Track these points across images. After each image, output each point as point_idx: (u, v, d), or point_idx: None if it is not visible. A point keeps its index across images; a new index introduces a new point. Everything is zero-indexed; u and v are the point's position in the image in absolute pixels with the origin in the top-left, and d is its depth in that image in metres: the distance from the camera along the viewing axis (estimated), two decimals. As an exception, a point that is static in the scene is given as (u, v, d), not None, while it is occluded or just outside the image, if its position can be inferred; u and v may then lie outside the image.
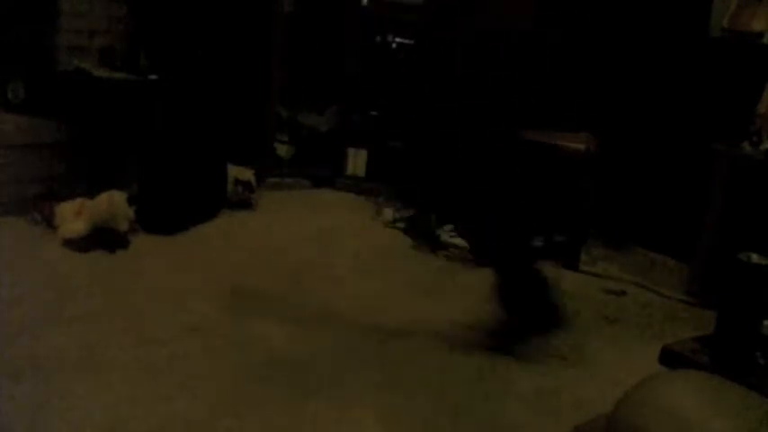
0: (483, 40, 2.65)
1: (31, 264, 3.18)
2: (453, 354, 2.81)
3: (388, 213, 4.19)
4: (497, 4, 2.69)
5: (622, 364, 2.81)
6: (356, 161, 4.70)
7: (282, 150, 4.76)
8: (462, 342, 2.91)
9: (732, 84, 3.56)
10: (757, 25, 3.45)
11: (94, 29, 4.10)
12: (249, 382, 2.46)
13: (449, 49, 2.69)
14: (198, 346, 2.65)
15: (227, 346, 2.67)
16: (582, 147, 3.73)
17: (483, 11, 2.66)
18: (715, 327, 2.66)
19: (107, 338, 2.62)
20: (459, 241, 3.90)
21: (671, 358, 2.67)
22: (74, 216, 3.37)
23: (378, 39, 4.69)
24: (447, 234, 3.91)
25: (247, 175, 4.14)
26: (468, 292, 3.40)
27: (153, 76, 4.02)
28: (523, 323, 2.90)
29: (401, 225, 4.06)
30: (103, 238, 3.37)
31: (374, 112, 4.71)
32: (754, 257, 2.53)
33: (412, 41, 4.60)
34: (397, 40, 4.67)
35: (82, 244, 3.33)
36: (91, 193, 3.50)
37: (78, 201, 3.44)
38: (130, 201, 3.48)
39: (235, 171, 4.12)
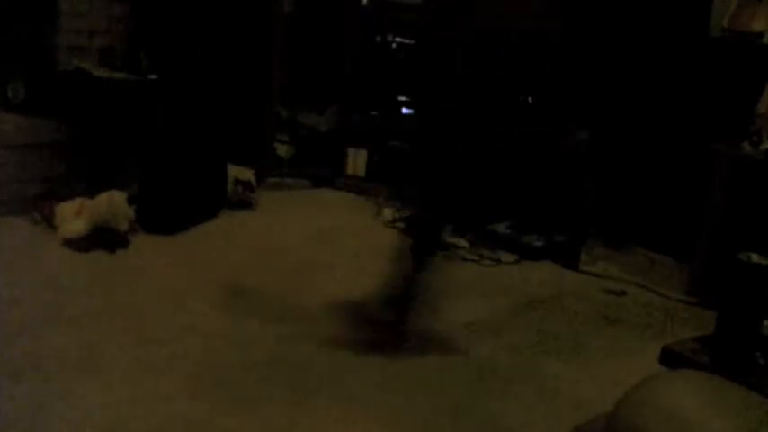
0: (483, 40, 2.65)
1: (31, 264, 3.18)
2: (453, 354, 2.81)
3: (388, 213, 4.19)
4: (497, 4, 2.69)
5: (622, 364, 2.81)
6: (356, 161, 4.70)
7: (282, 150, 4.76)
8: (462, 342, 2.91)
9: (732, 84, 3.56)
10: (757, 25, 3.46)
11: (94, 29, 4.10)
12: (249, 382, 2.46)
13: (449, 49, 2.69)
14: (198, 346, 2.65)
15: (227, 346, 2.67)
16: (582, 147, 3.74)
17: (483, 11, 2.66)
18: (715, 327, 2.66)
19: (107, 338, 2.62)
20: (459, 241, 3.90)
21: (671, 358, 2.67)
22: (74, 216, 3.37)
23: (378, 39, 4.69)
24: (447, 234, 3.91)
25: (247, 175, 4.14)
26: (469, 292, 3.40)
27: (153, 76, 4.02)
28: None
29: (401, 225, 4.06)
30: (103, 238, 3.37)
31: (374, 112, 4.71)
32: (754, 257, 2.54)
33: (412, 41, 4.61)
34: (397, 40, 4.67)
35: (82, 244, 3.33)
36: (91, 193, 3.50)
37: (78, 201, 3.44)
38: (130, 201, 3.48)
39: (235, 171, 4.12)
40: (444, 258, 3.77)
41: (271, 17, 4.53)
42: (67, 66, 3.97)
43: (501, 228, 4.03)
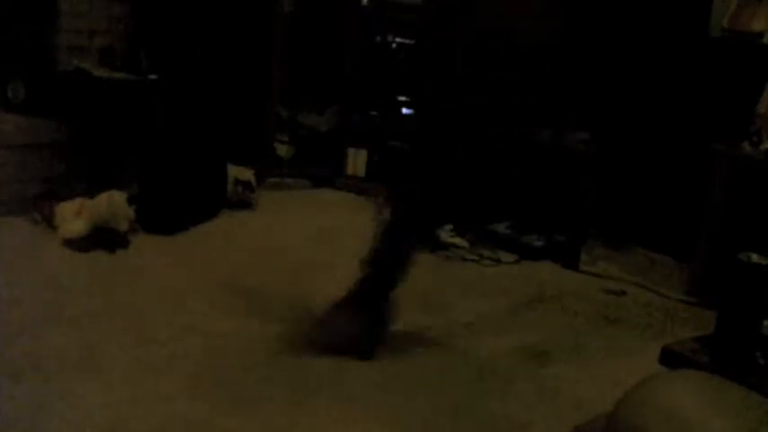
0: (483, 40, 2.65)
1: (31, 264, 3.18)
2: (453, 354, 2.81)
3: (389, 213, 4.19)
4: (497, 4, 2.68)
5: (622, 364, 2.81)
6: (356, 161, 4.70)
7: (282, 150, 4.75)
8: (462, 342, 2.91)
9: (732, 84, 3.56)
10: (757, 25, 3.46)
11: (94, 29, 4.09)
12: (249, 382, 2.46)
13: (449, 49, 2.68)
14: (198, 346, 2.65)
15: (227, 346, 2.67)
16: (582, 147, 3.74)
17: (483, 11, 2.66)
18: (715, 327, 2.66)
19: (107, 338, 2.62)
20: (459, 241, 3.90)
21: (671, 358, 2.67)
22: (74, 216, 3.37)
23: (378, 39, 4.69)
24: (447, 234, 3.91)
25: (247, 175, 4.14)
26: (469, 292, 3.40)
27: (153, 76, 4.02)
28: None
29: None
30: (103, 238, 3.37)
31: (374, 112, 4.71)
32: (754, 257, 2.53)
33: (412, 41, 4.61)
34: (397, 40, 4.67)
35: (82, 244, 3.33)
36: (91, 193, 3.50)
37: (78, 201, 3.44)
38: (130, 201, 3.48)
39: (235, 171, 4.12)
40: (445, 258, 3.79)
41: (271, 17, 4.53)
42: (67, 66, 3.97)
43: (501, 228, 4.03)
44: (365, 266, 2.70)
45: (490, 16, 2.65)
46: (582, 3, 3.93)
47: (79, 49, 4.03)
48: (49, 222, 3.46)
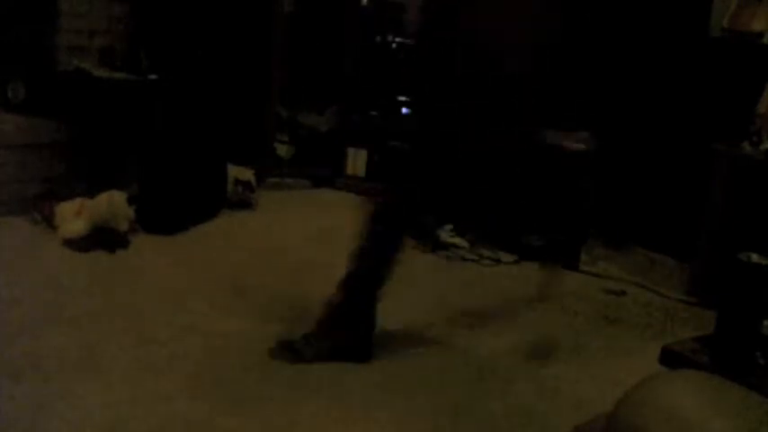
0: (483, 40, 2.65)
1: (31, 264, 3.18)
2: (453, 354, 2.81)
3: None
4: (497, 5, 2.68)
5: (622, 364, 2.81)
6: (356, 161, 4.70)
7: (282, 150, 4.76)
8: (462, 342, 2.91)
9: (732, 84, 3.56)
10: (757, 25, 3.45)
11: (94, 29, 4.10)
12: (249, 382, 2.46)
13: (449, 49, 2.68)
14: (198, 346, 2.65)
15: (227, 346, 2.67)
16: (582, 147, 3.73)
17: (483, 11, 2.66)
18: (715, 327, 2.66)
19: (107, 338, 2.62)
20: (459, 241, 3.90)
21: (671, 358, 2.66)
22: (74, 216, 3.37)
23: (378, 39, 4.69)
24: (447, 234, 3.91)
25: (247, 175, 4.14)
26: (469, 292, 3.40)
27: (153, 76, 4.02)
28: None
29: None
30: (103, 238, 3.37)
31: (374, 112, 4.71)
32: (754, 257, 2.53)
33: (412, 41, 4.61)
34: (397, 40, 4.67)
35: (82, 244, 3.33)
36: (91, 193, 3.50)
37: (78, 201, 3.44)
38: (130, 201, 3.48)
39: (235, 171, 4.12)
40: (445, 258, 3.79)
41: (271, 17, 4.53)
42: (67, 66, 3.97)
43: (502, 228, 4.03)
44: (350, 263, 2.68)
45: (490, 16, 2.65)
46: (582, 3, 3.94)
47: (79, 49, 4.04)
48: (49, 222, 3.46)
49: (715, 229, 3.41)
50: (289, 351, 2.62)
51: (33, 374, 2.35)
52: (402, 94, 4.67)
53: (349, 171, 4.71)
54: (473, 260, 3.79)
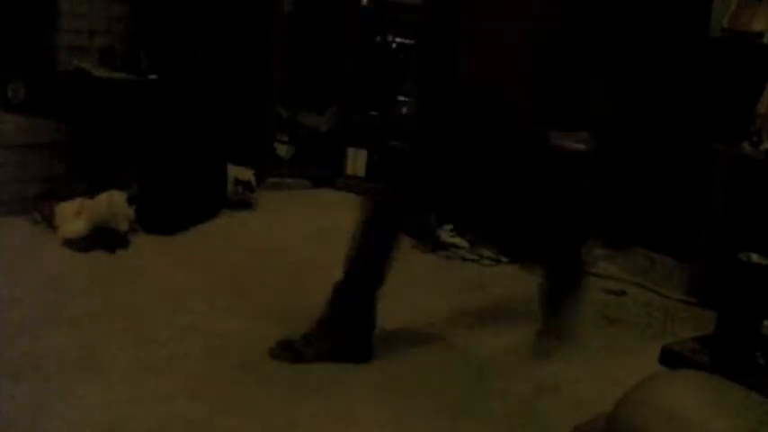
0: (482, 40, 2.65)
1: (31, 264, 3.18)
2: (453, 354, 2.81)
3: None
4: (497, 4, 2.68)
5: (622, 364, 2.81)
6: (356, 161, 4.70)
7: (282, 150, 4.75)
8: (462, 342, 2.91)
9: (732, 84, 3.56)
10: (757, 25, 3.46)
11: (94, 29, 4.09)
12: (249, 382, 2.46)
13: (449, 48, 2.68)
14: (198, 346, 2.65)
15: (227, 346, 2.67)
16: (582, 147, 3.73)
17: (483, 11, 2.66)
18: (715, 327, 2.66)
19: (107, 338, 2.62)
20: (459, 241, 3.90)
21: (671, 358, 2.66)
22: (74, 216, 3.38)
23: (378, 39, 4.69)
24: (447, 234, 3.91)
25: (247, 175, 4.14)
26: (469, 292, 3.40)
27: (153, 76, 4.02)
28: None
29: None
30: (103, 238, 3.37)
31: (374, 112, 4.71)
32: (754, 257, 2.53)
33: (412, 41, 4.61)
34: (397, 40, 4.67)
35: (82, 244, 3.33)
36: (91, 193, 3.50)
37: (78, 201, 3.44)
38: (130, 201, 3.48)
39: (235, 171, 4.12)
40: (445, 258, 3.79)
41: (271, 17, 4.53)
42: (67, 66, 3.97)
43: (499, 227, 4.03)
44: (347, 263, 2.68)
45: (490, 16, 2.65)
46: (582, 3, 3.93)
47: (79, 49, 4.03)
48: (49, 222, 3.46)
49: (715, 229, 3.41)
50: (289, 351, 2.62)
51: (33, 374, 2.35)
52: (402, 94, 4.67)
53: (349, 171, 4.71)
54: (473, 260, 3.79)
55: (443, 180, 2.78)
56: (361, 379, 2.54)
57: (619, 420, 1.34)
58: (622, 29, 3.92)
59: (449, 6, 2.75)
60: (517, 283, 3.57)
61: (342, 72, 4.74)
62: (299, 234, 3.86)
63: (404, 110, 4.67)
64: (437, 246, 3.84)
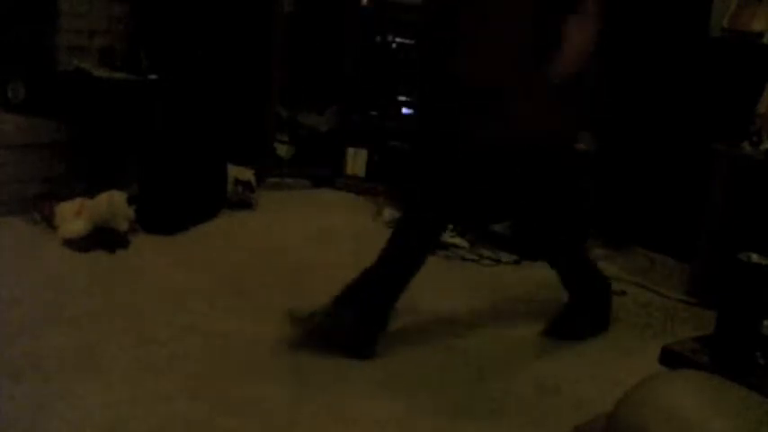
0: (482, 40, 2.65)
1: (31, 264, 3.18)
2: (453, 354, 2.81)
3: (388, 213, 4.19)
4: (497, 5, 2.69)
5: (622, 364, 2.81)
6: (356, 161, 4.70)
7: (282, 150, 4.76)
8: (462, 342, 2.91)
9: (732, 84, 3.56)
10: (757, 25, 3.46)
11: (94, 29, 4.10)
12: (249, 382, 2.46)
13: (449, 48, 2.69)
14: (198, 346, 2.65)
15: (227, 346, 2.67)
16: (582, 147, 3.73)
17: (482, 11, 2.66)
18: (715, 327, 2.66)
19: (107, 338, 2.62)
20: (459, 241, 3.90)
21: (671, 358, 2.66)
22: (74, 216, 3.38)
23: (378, 39, 4.69)
24: (447, 234, 3.91)
25: (247, 175, 4.14)
26: (469, 292, 3.40)
27: (153, 76, 4.02)
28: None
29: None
30: (103, 238, 3.37)
31: (374, 112, 4.71)
32: (754, 257, 2.53)
33: (412, 41, 4.61)
34: (397, 40, 4.67)
35: (82, 244, 3.33)
36: (91, 193, 3.50)
37: (78, 201, 3.44)
38: (130, 201, 3.48)
39: (235, 171, 4.12)
40: (445, 258, 3.78)
41: (271, 17, 4.53)
42: (67, 66, 3.97)
43: (501, 228, 4.03)
44: (376, 265, 2.69)
45: (490, 16, 2.65)
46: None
47: (79, 49, 4.04)
48: (49, 222, 3.46)
49: (715, 229, 3.41)
50: (306, 322, 2.63)
51: (33, 374, 2.35)
52: (402, 94, 4.67)
53: (349, 171, 4.71)
54: (473, 260, 3.79)
55: (447, 180, 2.78)
56: (362, 379, 2.54)
57: (619, 420, 1.34)
58: (622, 29, 3.92)
59: (449, 6, 2.75)
60: (517, 282, 3.57)
61: (342, 72, 4.74)
62: (299, 234, 3.86)
63: (404, 110, 4.67)
64: (437, 246, 3.83)
